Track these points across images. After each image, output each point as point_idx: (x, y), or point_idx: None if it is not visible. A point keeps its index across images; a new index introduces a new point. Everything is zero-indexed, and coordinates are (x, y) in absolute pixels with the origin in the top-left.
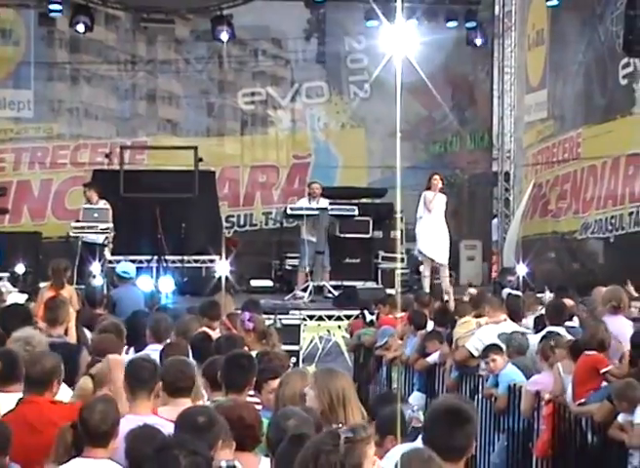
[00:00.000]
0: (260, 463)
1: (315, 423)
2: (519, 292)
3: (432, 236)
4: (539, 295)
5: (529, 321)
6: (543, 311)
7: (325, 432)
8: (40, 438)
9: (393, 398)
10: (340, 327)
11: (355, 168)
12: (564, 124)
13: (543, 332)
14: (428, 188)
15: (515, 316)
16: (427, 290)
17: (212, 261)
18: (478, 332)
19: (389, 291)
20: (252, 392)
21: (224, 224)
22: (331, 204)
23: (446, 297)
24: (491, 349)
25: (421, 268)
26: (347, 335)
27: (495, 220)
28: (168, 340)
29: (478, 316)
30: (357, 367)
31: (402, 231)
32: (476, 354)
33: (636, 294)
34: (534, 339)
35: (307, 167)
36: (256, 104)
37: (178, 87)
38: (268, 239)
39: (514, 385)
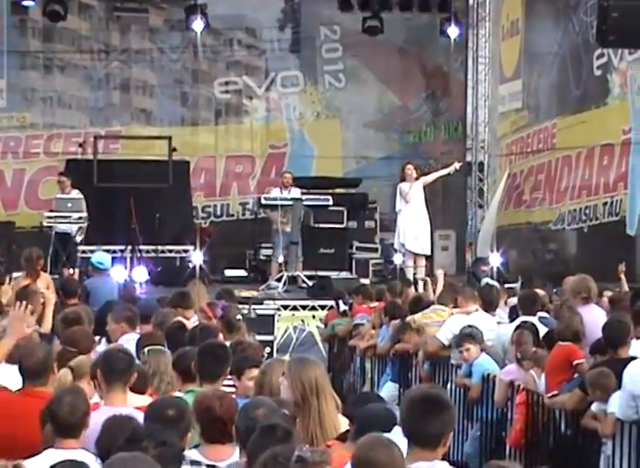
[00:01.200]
0: (233, 454)
1: (288, 415)
2: (495, 283)
3: (413, 228)
4: (512, 286)
5: (503, 311)
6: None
7: (286, 446)
8: (16, 428)
9: (372, 399)
10: (314, 317)
11: (330, 158)
12: (538, 114)
13: (517, 322)
14: (403, 179)
15: (488, 306)
16: (411, 279)
17: (186, 251)
18: (448, 322)
19: (363, 281)
20: (229, 381)
21: (201, 215)
22: (305, 194)
23: (421, 287)
24: (464, 338)
25: (398, 259)
26: (322, 325)
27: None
28: (137, 330)
29: (457, 307)
30: (331, 357)
31: (376, 221)
32: (447, 344)
33: (624, 280)
34: (507, 329)
35: (283, 157)
36: (230, 94)
37: (152, 76)
38: (244, 229)
39: (488, 375)
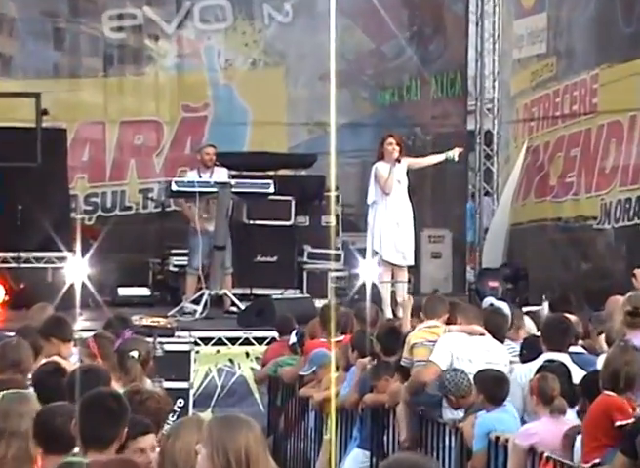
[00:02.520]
0: None
1: None
2: (503, 305)
3: (393, 230)
4: (534, 309)
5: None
6: (535, 330)
7: None
8: None
9: None
10: (247, 355)
11: (271, 124)
12: (571, 62)
13: (539, 361)
14: (380, 158)
15: (498, 337)
16: (387, 301)
17: (61, 260)
18: (444, 341)
19: (320, 302)
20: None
21: (83, 207)
22: (236, 177)
23: (400, 312)
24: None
25: (369, 271)
26: (259, 367)
27: (469, 204)
28: None
29: (451, 322)
30: (272, 412)
31: (338, 217)
32: (446, 369)
33: None
34: (525, 370)
35: (203, 123)
36: (127, 32)
37: (11, 7)
38: (147, 229)
39: (496, 438)
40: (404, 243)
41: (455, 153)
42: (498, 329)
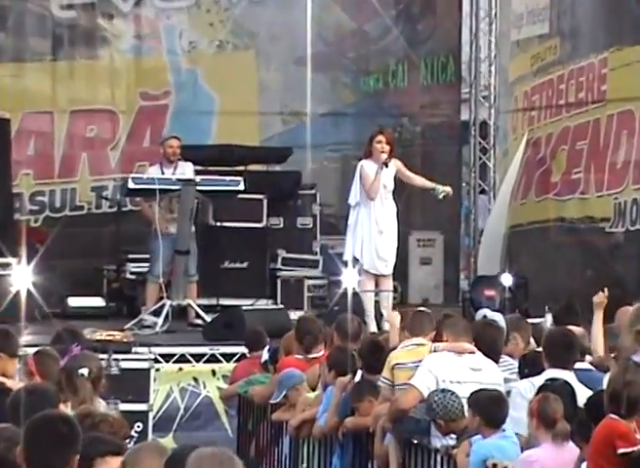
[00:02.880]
0: None
1: None
2: (497, 316)
3: (376, 238)
4: (533, 321)
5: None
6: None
7: None
8: None
9: None
10: (214, 373)
11: (240, 114)
12: (577, 44)
13: (540, 379)
14: (368, 155)
15: (490, 353)
16: (371, 313)
17: (4, 267)
18: (428, 362)
19: (295, 314)
20: None
21: (28, 207)
22: (200, 173)
23: (386, 325)
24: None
25: (350, 279)
26: (226, 386)
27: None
28: None
29: (439, 338)
30: (242, 437)
31: (315, 218)
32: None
33: None
34: (524, 384)
35: (164, 112)
36: (77, 10)
37: None
38: (101, 231)
39: (493, 465)
40: (387, 251)
41: (444, 190)
42: (491, 343)
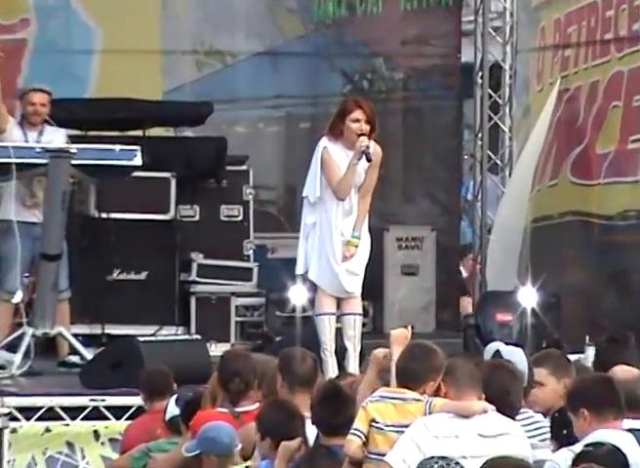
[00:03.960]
0: None
1: None
2: (516, 352)
3: (338, 247)
4: (575, 357)
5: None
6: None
7: None
8: None
9: None
10: (97, 435)
11: (135, 54)
12: None
13: (579, 446)
14: (336, 135)
15: (505, 407)
16: (330, 346)
17: None
18: (414, 431)
19: (218, 348)
20: None
21: None
22: (76, 141)
23: (353, 362)
24: None
25: (299, 295)
26: (115, 455)
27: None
28: None
29: (436, 393)
30: None
31: (247, 206)
32: None
33: None
34: (558, 458)
35: (20, 50)
36: None
37: None
38: None
39: None
40: (355, 264)
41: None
42: (503, 395)
